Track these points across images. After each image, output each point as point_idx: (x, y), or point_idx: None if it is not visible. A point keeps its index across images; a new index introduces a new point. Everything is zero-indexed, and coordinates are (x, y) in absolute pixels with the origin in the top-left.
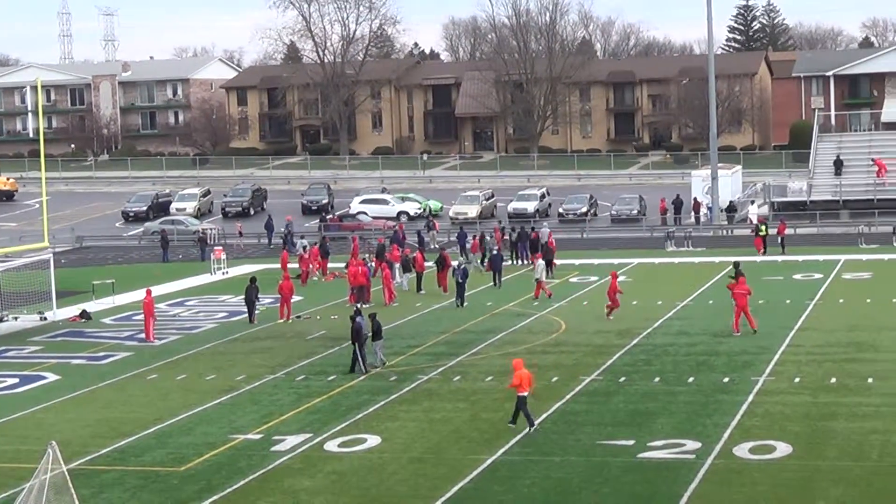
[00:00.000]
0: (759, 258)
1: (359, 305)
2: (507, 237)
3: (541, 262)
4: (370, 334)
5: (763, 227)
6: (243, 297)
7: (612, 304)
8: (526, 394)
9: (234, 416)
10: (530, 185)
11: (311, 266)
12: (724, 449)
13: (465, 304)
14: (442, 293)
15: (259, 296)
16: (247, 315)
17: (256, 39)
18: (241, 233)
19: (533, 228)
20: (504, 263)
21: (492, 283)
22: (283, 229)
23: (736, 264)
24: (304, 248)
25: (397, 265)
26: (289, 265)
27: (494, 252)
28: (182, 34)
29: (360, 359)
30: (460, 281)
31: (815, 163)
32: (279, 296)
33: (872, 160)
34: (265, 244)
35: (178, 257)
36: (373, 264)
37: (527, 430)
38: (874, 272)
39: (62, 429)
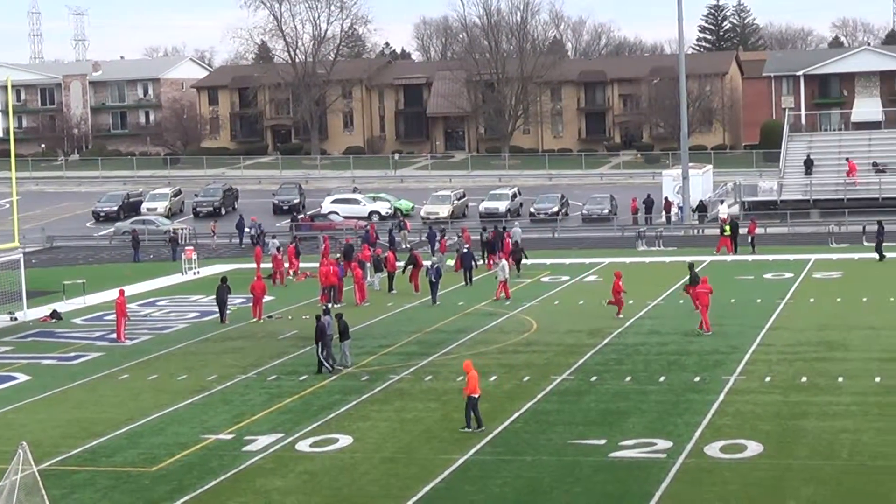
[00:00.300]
0: (729, 257)
1: (330, 305)
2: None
3: (504, 263)
4: (337, 334)
5: (727, 227)
6: (214, 297)
7: (614, 301)
8: (478, 395)
9: (205, 416)
10: (502, 185)
11: (284, 266)
12: (695, 448)
13: (438, 303)
14: (413, 293)
15: (230, 296)
16: (218, 315)
17: (227, 39)
18: (214, 231)
19: (504, 228)
20: (478, 263)
21: (463, 283)
22: (248, 229)
23: (691, 266)
24: (278, 248)
25: (368, 265)
26: (262, 264)
27: (465, 251)
28: (153, 34)
29: (322, 359)
30: (433, 280)
31: (786, 162)
32: (251, 295)
33: (846, 159)
34: (236, 244)
35: (149, 257)
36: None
37: (466, 428)
38: (844, 271)
39: (33, 429)
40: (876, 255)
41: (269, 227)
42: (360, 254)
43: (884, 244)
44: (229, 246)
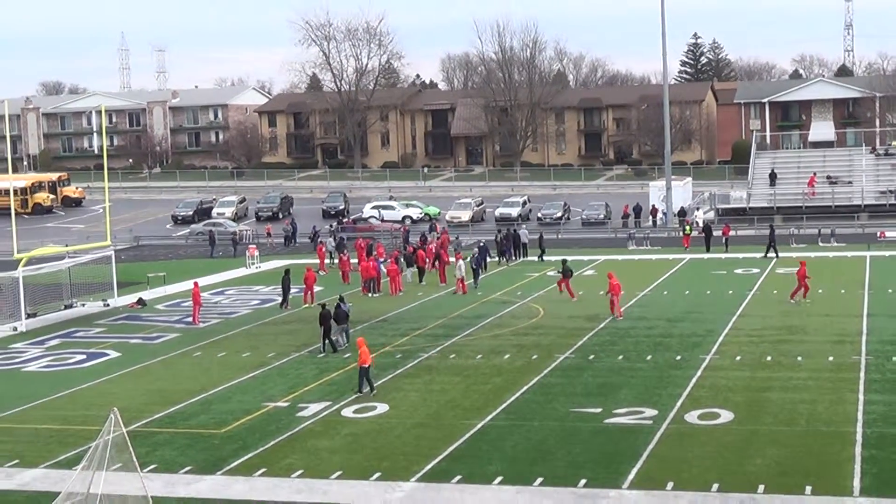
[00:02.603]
0: (705, 255)
1: (370, 295)
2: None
3: (461, 262)
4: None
5: (688, 227)
6: (280, 285)
7: (800, 287)
8: (368, 365)
9: (265, 386)
10: (514, 194)
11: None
12: (676, 415)
13: (477, 285)
14: (440, 284)
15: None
16: (280, 301)
17: (284, 71)
18: (269, 233)
19: (515, 230)
20: (491, 260)
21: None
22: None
23: (563, 261)
24: (341, 249)
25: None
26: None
27: (482, 244)
28: (222, 67)
29: (342, 339)
30: (474, 267)
31: (754, 175)
32: (303, 285)
33: (813, 174)
34: (292, 243)
35: (218, 254)
36: (382, 260)
37: (359, 392)
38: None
39: (122, 397)
40: (780, 253)
41: (306, 229)
42: (377, 251)
43: (775, 243)
44: (275, 245)
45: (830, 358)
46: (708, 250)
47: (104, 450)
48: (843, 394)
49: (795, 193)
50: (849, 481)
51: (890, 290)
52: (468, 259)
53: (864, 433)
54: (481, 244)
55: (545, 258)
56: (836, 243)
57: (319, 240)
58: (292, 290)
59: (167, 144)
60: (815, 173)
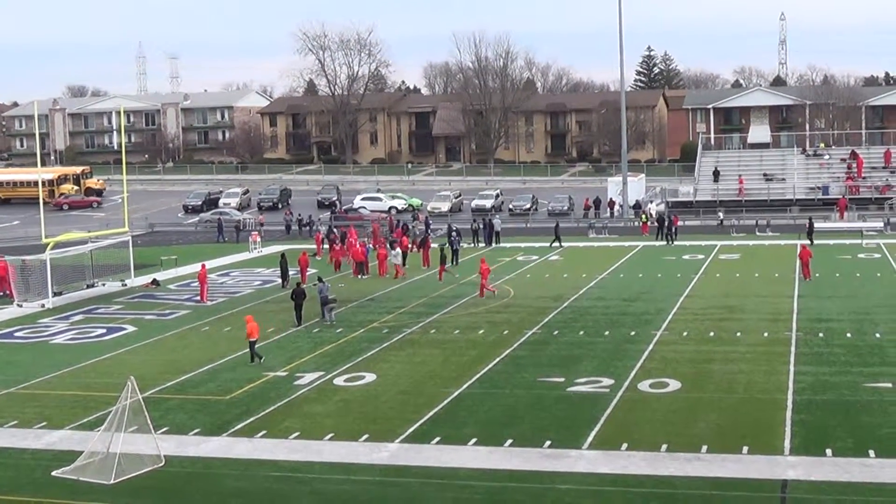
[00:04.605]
0: (657, 243)
1: (360, 277)
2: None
3: (397, 251)
4: (319, 298)
5: (645, 216)
6: (279, 268)
7: (805, 264)
8: (255, 339)
9: (266, 358)
10: (488, 188)
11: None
12: (630, 384)
13: (457, 263)
14: (422, 267)
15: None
16: (280, 282)
17: (284, 77)
18: (262, 223)
19: (489, 219)
20: (466, 246)
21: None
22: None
23: (441, 248)
24: (333, 239)
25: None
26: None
27: (456, 229)
28: (228, 73)
29: (296, 314)
30: (455, 249)
31: (699, 172)
32: (298, 267)
33: (739, 176)
34: (285, 231)
35: (224, 240)
36: (370, 246)
37: (252, 361)
38: (742, 254)
39: (138, 367)
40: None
41: (301, 218)
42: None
43: (677, 233)
44: (276, 232)
45: (765, 334)
46: (663, 238)
47: (122, 414)
48: (776, 365)
49: (736, 189)
50: (780, 442)
51: (818, 275)
52: (444, 244)
53: (794, 400)
54: (455, 229)
55: (562, 244)
56: (771, 233)
57: (315, 227)
58: (290, 273)
59: (179, 142)
60: (741, 175)
